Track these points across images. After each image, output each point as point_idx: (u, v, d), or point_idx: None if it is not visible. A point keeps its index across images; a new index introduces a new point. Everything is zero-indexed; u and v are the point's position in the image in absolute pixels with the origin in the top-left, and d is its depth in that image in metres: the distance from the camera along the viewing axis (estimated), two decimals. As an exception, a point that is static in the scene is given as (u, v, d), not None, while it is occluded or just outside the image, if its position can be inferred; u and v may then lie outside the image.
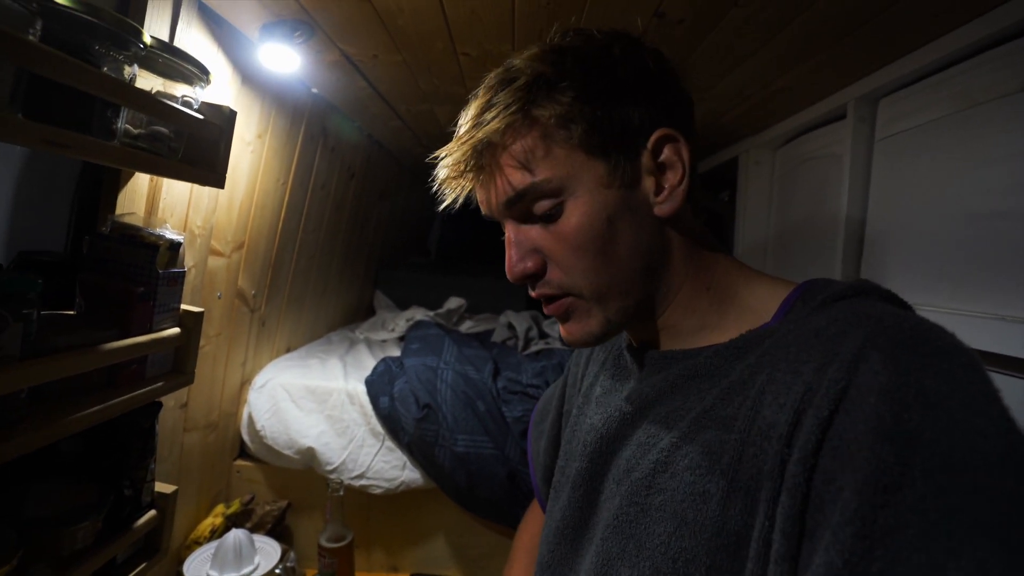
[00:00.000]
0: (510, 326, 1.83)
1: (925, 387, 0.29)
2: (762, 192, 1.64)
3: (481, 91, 0.45)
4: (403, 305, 2.20)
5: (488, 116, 0.42)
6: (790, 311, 0.41)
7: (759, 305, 0.43)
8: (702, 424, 0.39)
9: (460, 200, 0.47)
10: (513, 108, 0.41)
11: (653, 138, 0.43)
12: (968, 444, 0.27)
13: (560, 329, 0.48)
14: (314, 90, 1.26)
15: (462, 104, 0.47)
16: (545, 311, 0.47)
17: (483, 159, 0.43)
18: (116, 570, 0.67)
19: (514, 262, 0.45)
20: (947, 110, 0.88)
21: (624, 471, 0.44)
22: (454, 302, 2.03)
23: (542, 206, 0.43)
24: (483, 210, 0.47)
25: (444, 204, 0.47)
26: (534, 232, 0.44)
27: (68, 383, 0.56)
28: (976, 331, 0.77)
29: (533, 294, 0.46)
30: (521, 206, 0.43)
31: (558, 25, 0.46)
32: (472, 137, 0.42)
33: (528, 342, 1.74)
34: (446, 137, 0.45)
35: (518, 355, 1.56)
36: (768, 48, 0.93)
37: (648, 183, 0.43)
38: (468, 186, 0.45)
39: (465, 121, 0.45)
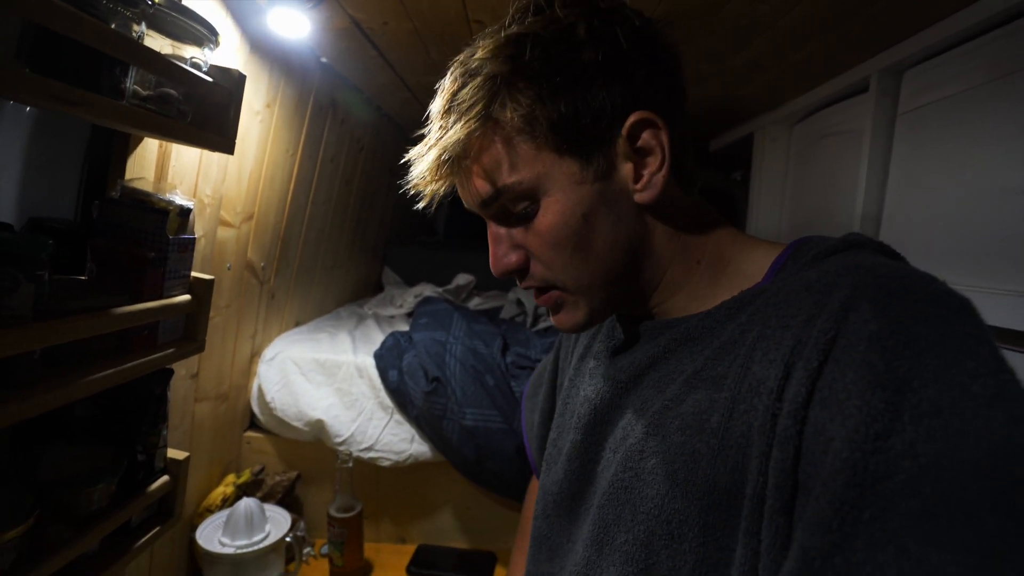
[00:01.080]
0: (519, 303, 1.83)
1: (915, 333, 0.28)
2: (777, 170, 1.60)
3: (447, 81, 0.43)
4: (411, 282, 2.20)
5: (450, 121, 0.41)
6: (781, 269, 0.40)
7: (752, 268, 0.43)
8: (692, 385, 0.38)
9: (435, 202, 0.46)
10: (473, 113, 0.40)
11: (628, 124, 0.40)
12: (958, 387, 0.26)
13: (551, 318, 0.48)
14: (323, 59, 1.23)
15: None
16: (536, 302, 0.48)
17: (451, 168, 0.42)
18: (131, 532, 0.68)
19: (498, 257, 0.45)
20: (977, 80, 0.85)
21: (620, 439, 0.44)
22: (463, 279, 2.03)
23: (517, 207, 0.42)
24: (465, 205, 0.46)
25: (421, 204, 0.46)
26: (515, 230, 0.44)
27: (82, 347, 0.56)
28: (998, 308, 0.76)
29: (522, 286, 0.47)
30: (496, 207, 0.43)
31: (518, 1, 0.42)
32: (435, 146, 0.42)
33: (537, 319, 1.74)
34: (425, 123, 0.44)
35: (527, 331, 1.56)
36: (788, 17, 0.90)
37: (626, 170, 0.41)
38: (441, 189, 0.44)
39: (432, 117, 0.44)
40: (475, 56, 0.41)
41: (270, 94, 1.09)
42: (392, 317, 1.78)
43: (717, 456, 0.35)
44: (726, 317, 0.39)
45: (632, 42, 0.40)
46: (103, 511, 0.61)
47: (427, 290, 1.94)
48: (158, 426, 0.69)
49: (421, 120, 0.45)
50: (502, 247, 0.45)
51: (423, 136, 0.45)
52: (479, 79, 0.40)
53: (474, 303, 1.95)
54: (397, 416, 1.23)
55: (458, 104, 0.41)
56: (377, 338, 1.40)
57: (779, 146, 1.59)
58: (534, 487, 0.73)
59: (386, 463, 1.21)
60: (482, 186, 0.42)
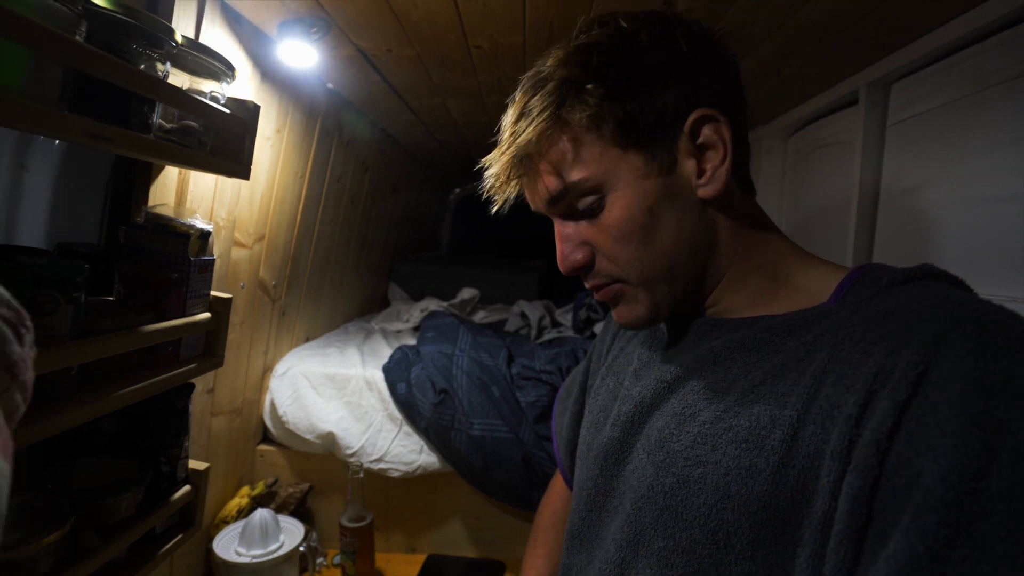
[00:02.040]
0: (523, 315, 1.86)
1: (1013, 374, 0.28)
2: (774, 181, 1.64)
3: (518, 94, 0.46)
4: (417, 297, 2.24)
5: (522, 125, 0.44)
6: (848, 293, 0.40)
7: (814, 286, 0.43)
8: (750, 399, 0.38)
9: (509, 204, 0.48)
10: (544, 115, 0.42)
11: (690, 120, 0.42)
12: None
13: (612, 313, 0.49)
14: (329, 85, 1.29)
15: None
16: (596, 297, 0.49)
17: (522, 167, 0.45)
18: (155, 540, 0.71)
19: (565, 255, 0.46)
20: (958, 93, 0.88)
21: (657, 441, 0.43)
22: (468, 293, 2.06)
23: (584, 202, 0.44)
24: (532, 207, 0.48)
25: (495, 207, 0.49)
26: (581, 226, 0.46)
27: (111, 364, 0.60)
28: (985, 312, 0.78)
29: (587, 284, 0.48)
30: (563, 204, 0.45)
31: (584, 18, 0.46)
32: (509, 147, 0.44)
33: (541, 331, 1.77)
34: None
35: (531, 343, 1.59)
36: (778, 34, 0.94)
37: (689, 165, 0.43)
38: (513, 191, 0.47)
39: (505, 127, 0.46)
40: (546, 65, 0.44)
41: (280, 120, 1.14)
42: (399, 331, 1.81)
43: (777, 474, 0.34)
44: (786, 332, 0.39)
45: (692, 46, 0.42)
46: (130, 519, 0.64)
47: (433, 304, 1.97)
48: (180, 438, 0.73)
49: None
50: (569, 245, 0.46)
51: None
52: (551, 84, 0.43)
53: (479, 316, 1.98)
54: (406, 428, 1.26)
55: (529, 110, 0.43)
56: (385, 352, 1.44)
57: (775, 157, 1.63)
58: (553, 491, 0.74)
59: (396, 474, 1.23)
60: (551, 182, 0.44)
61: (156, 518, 0.67)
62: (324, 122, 1.34)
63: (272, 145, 1.13)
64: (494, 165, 0.46)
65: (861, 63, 1.07)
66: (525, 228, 2.14)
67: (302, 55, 0.97)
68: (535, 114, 0.43)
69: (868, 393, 0.31)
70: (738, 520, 0.36)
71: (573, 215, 0.46)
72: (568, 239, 0.46)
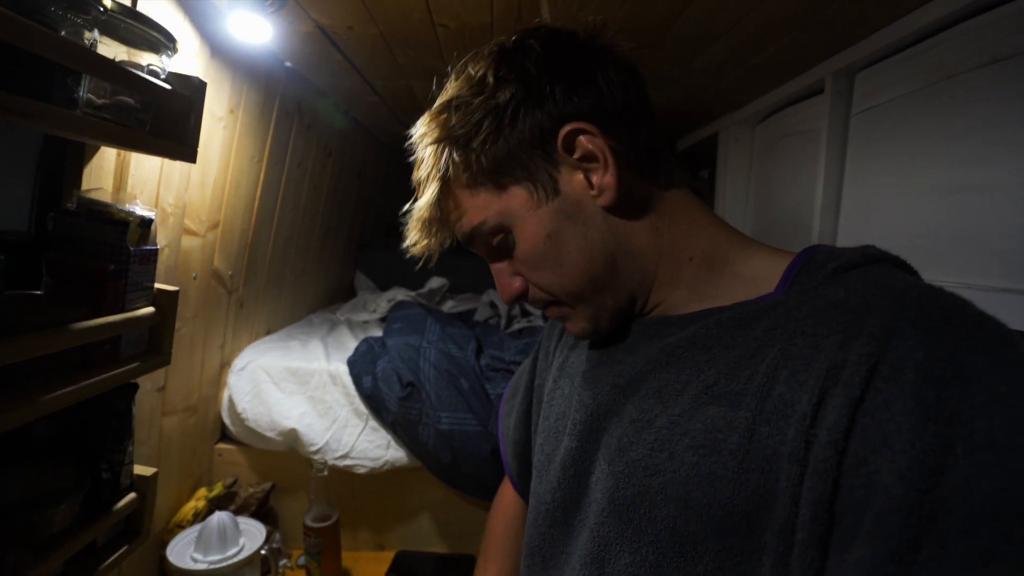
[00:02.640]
0: (492, 305, 1.83)
1: (962, 361, 0.28)
2: (741, 168, 1.65)
3: (417, 156, 0.49)
4: (384, 286, 2.18)
5: (419, 194, 0.48)
6: (794, 281, 0.39)
7: (756, 274, 0.42)
8: (703, 400, 0.37)
9: (435, 258, 0.51)
10: (433, 181, 0.46)
11: (560, 138, 0.42)
12: (1010, 420, 0.26)
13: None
14: (288, 64, 1.22)
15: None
16: (547, 315, 0.51)
17: (433, 225, 0.48)
18: (97, 553, 0.66)
19: (503, 287, 0.49)
20: (921, 83, 0.89)
21: (617, 450, 0.42)
22: (436, 282, 2.02)
23: (495, 240, 0.46)
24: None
25: (420, 265, 0.53)
26: (506, 261, 0.48)
27: (39, 365, 0.54)
28: (945, 300, 0.80)
29: (532, 308, 0.49)
30: (478, 244, 0.48)
31: (446, 72, 0.48)
32: (416, 213, 0.48)
33: (511, 320, 1.75)
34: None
35: (501, 333, 1.56)
36: (745, 23, 0.93)
37: (577, 180, 0.43)
38: (436, 244, 0.50)
39: (416, 189, 0.50)
40: (417, 133, 0.48)
41: (233, 99, 1.07)
42: (365, 323, 1.76)
43: (737, 479, 0.33)
44: (736, 327, 0.38)
45: (542, 67, 0.43)
46: (66, 532, 0.59)
47: (400, 294, 1.93)
48: (123, 442, 0.68)
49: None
50: (503, 277, 0.49)
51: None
52: (426, 153, 0.46)
53: (448, 306, 1.95)
54: (372, 422, 1.22)
55: (420, 181, 0.48)
56: (350, 344, 1.39)
57: (743, 145, 1.64)
58: (502, 497, 0.71)
59: (362, 470, 1.20)
60: (459, 231, 0.48)
61: (96, 529, 0.62)
62: (283, 103, 1.27)
63: (225, 126, 1.06)
64: (411, 233, 0.50)
65: (827, 52, 1.07)
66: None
67: (256, 30, 0.91)
68: (425, 184, 0.47)
69: (821, 390, 0.31)
70: (703, 530, 0.35)
71: (492, 252, 0.48)
72: (500, 273, 0.49)
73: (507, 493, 0.70)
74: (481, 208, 0.45)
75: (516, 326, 1.70)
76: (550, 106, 0.42)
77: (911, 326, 0.30)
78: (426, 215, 0.47)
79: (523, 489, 0.65)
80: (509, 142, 0.43)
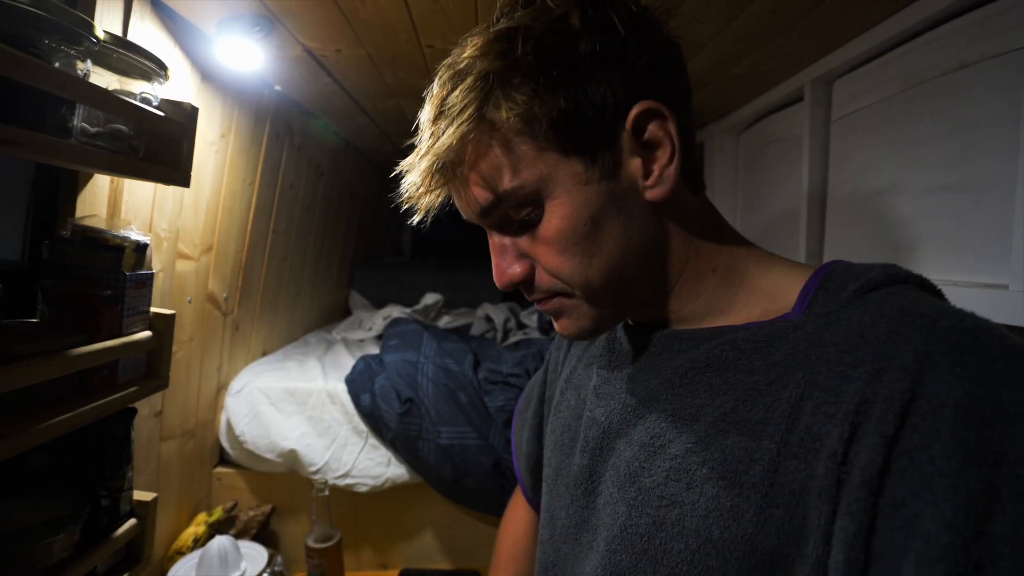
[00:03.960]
0: (488, 319, 1.84)
1: (1003, 399, 0.27)
2: (728, 177, 1.68)
3: (435, 86, 0.40)
4: (379, 304, 2.18)
5: (441, 126, 0.38)
6: (813, 301, 0.36)
7: (774, 289, 0.40)
8: (720, 428, 0.35)
9: (431, 215, 0.42)
10: (465, 115, 0.37)
11: (632, 115, 0.37)
12: None
13: (554, 324, 0.45)
14: (277, 87, 1.24)
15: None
16: (538, 309, 0.44)
17: (445, 175, 0.39)
18: (97, 582, 0.65)
19: (502, 270, 0.42)
20: (895, 89, 0.92)
21: (627, 475, 0.40)
22: (431, 298, 2.03)
23: (520, 212, 0.39)
24: (463, 216, 0.43)
25: (416, 219, 0.43)
26: (517, 238, 0.41)
27: (36, 392, 0.54)
28: (931, 297, 0.81)
29: (529, 297, 0.43)
30: (497, 215, 0.40)
31: None
32: (428, 152, 0.38)
33: (507, 333, 1.75)
34: (414, 133, 0.42)
35: (497, 346, 1.57)
36: (725, 34, 0.96)
37: (634, 165, 0.38)
38: (436, 200, 0.41)
39: (422, 126, 0.41)
40: (464, 55, 0.38)
41: (224, 123, 1.08)
42: (362, 341, 1.76)
43: (761, 514, 0.32)
44: (753, 350, 0.36)
45: (630, 29, 0.37)
46: (65, 562, 0.58)
47: (395, 311, 1.93)
48: (122, 468, 0.67)
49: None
50: (506, 258, 0.42)
51: (407, 149, 0.42)
52: (470, 79, 0.37)
53: (443, 322, 1.95)
54: (372, 440, 1.22)
55: (449, 108, 0.37)
56: (347, 363, 1.39)
57: (728, 154, 1.67)
58: (513, 512, 0.70)
59: (363, 489, 1.19)
60: (481, 194, 0.39)
61: (97, 558, 0.62)
62: (273, 126, 1.29)
63: (217, 151, 1.07)
64: (412, 172, 0.40)
65: (805, 61, 1.10)
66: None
67: (245, 55, 0.93)
68: (455, 114, 0.37)
69: (852, 426, 0.29)
70: (724, 566, 0.33)
71: (508, 226, 0.41)
72: (504, 252, 0.42)
73: (517, 508, 0.69)
74: (522, 168, 0.37)
75: (512, 339, 1.70)
76: (631, 76, 0.37)
77: (946, 360, 0.28)
78: (444, 157, 0.38)
79: (538, 503, 0.63)
80: (580, 100, 0.36)
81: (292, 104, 1.34)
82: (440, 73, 0.40)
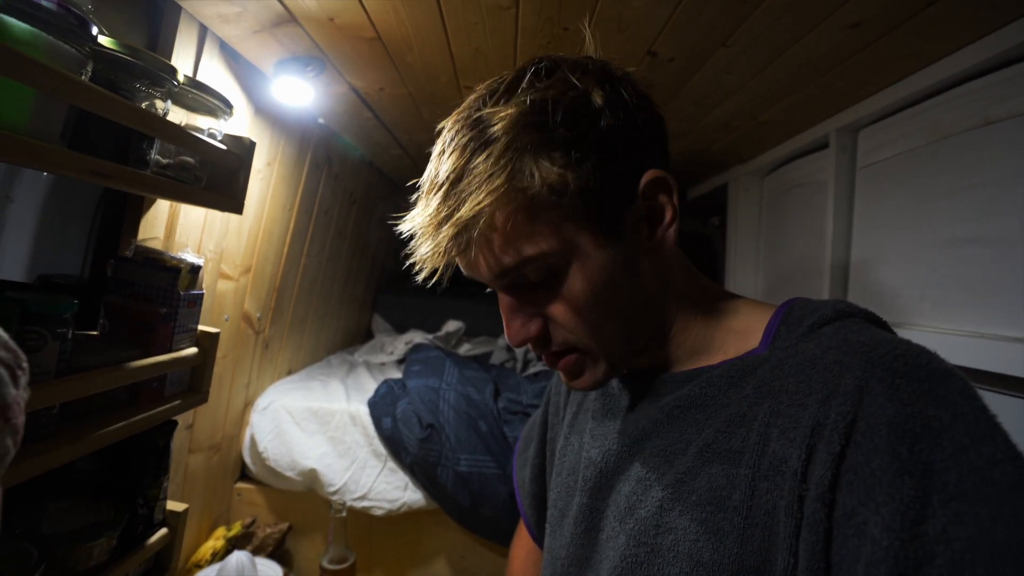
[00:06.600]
0: (508, 348, 1.86)
1: (929, 416, 0.30)
2: (751, 217, 1.70)
3: (450, 150, 0.40)
4: (401, 328, 2.22)
5: (465, 187, 0.38)
6: (776, 337, 0.41)
7: (743, 328, 0.44)
8: (705, 458, 0.38)
9: (446, 278, 0.42)
10: (496, 184, 0.37)
11: (643, 184, 0.40)
12: (977, 471, 0.28)
13: (563, 377, 0.46)
14: (320, 120, 1.31)
15: None
16: (548, 366, 0.45)
17: (464, 238, 0.38)
18: (128, 588, 0.67)
19: (516, 329, 0.42)
20: (920, 141, 0.94)
21: (626, 508, 0.43)
22: (452, 325, 2.06)
23: (539, 275, 0.40)
24: (465, 273, 0.43)
25: (430, 283, 0.42)
26: (533, 297, 0.42)
27: (94, 401, 0.58)
28: (958, 349, 0.81)
29: (540, 355, 0.45)
30: (513, 277, 0.41)
31: (522, 65, 0.41)
32: (450, 217, 0.38)
33: (527, 364, 1.77)
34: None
35: (517, 376, 1.58)
36: (754, 84, 0.99)
37: (641, 227, 0.42)
38: (452, 263, 0.41)
39: (434, 184, 0.40)
40: (490, 124, 0.38)
41: (271, 153, 1.15)
42: (383, 364, 1.79)
43: (743, 534, 0.35)
44: (728, 385, 0.40)
45: (637, 107, 0.41)
46: (103, 566, 0.61)
47: (418, 337, 1.96)
48: (159, 478, 0.70)
49: (413, 185, 0.43)
50: (519, 318, 0.42)
51: (408, 206, 0.43)
52: (499, 145, 0.37)
53: (464, 349, 1.97)
54: (390, 464, 1.23)
55: (476, 174, 0.37)
56: (369, 386, 1.42)
57: (752, 196, 1.69)
58: (518, 546, 0.71)
59: (379, 512, 1.20)
60: (504, 258, 0.39)
61: (130, 564, 0.64)
62: (314, 155, 1.36)
63: (263, 178, 1.14)
64: (427, 237, 0.39)
65: (830, 110, 1.13)
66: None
67: (297, 92, 0.99)
68: (484, 180, 0.37)
69: (808, 447, 0.33)
70: None
71: (522, 287, 0.41)
72: (517, 311, 0.42)
73: (523, 542, 0.71)
74: (548, 235, 0.38)
75: (532, 369, 1.72)
76: (640, 148, 0.41)
77: (881, 384, 0.32)
78: (469, 226, 0.37)
79: (541, 539, 0.65)
80: (606, 171, 0.39)
81: (332, 135, 1.41)
82: (457, 138, 0.40)
